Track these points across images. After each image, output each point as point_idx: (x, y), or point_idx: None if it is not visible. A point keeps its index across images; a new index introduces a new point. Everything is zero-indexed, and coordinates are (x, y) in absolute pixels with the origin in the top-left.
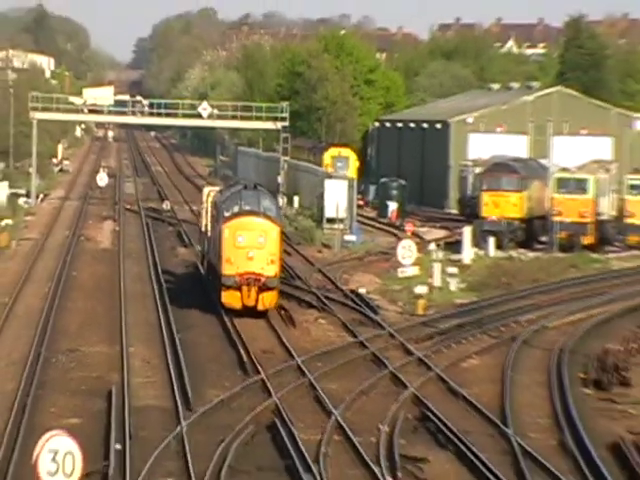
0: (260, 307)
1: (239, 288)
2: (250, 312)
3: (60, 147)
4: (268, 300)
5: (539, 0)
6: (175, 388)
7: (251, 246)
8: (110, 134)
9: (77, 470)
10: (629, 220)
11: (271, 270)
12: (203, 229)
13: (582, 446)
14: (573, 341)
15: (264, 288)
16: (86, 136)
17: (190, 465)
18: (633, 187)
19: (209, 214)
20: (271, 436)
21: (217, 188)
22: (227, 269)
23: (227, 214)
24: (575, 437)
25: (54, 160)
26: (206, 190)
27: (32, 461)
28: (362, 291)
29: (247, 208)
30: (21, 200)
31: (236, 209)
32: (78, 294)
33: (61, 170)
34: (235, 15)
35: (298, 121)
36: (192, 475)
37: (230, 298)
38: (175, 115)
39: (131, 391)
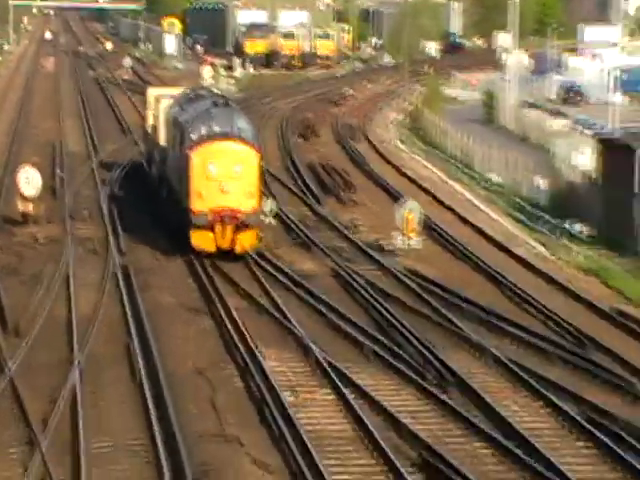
0: (238, 249)
1: (212, 227)
2: (226, 255)
3: (25, 18)
4: (247, 241)
5: None
6: (89, 143)
7: (225, 177)
8: (52, 12)
9: (38, 185)
10: (317, 52)
11: (249, 205)
12: (149, 131)
13: (295, 165)
14: (290, 114)
15: (241, 226)
16: (39, 14)
17: (98, 186)
18: (317, 36)
19: (165, 128)
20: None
21: (167, 92)
22: (197, 204)
23: (195, 137)
24: (291, 161)
25: (22, 25)
26: (152, 92)
27: (15, 180)
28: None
29: (219, 130)
30: (5, 47)
31: (205, 131)
32: (37, 96)
33: (26, 31)
34: None
35: (154, 4)
36: (98, 182)
37: (201, 239)
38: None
39: (65, 144)
